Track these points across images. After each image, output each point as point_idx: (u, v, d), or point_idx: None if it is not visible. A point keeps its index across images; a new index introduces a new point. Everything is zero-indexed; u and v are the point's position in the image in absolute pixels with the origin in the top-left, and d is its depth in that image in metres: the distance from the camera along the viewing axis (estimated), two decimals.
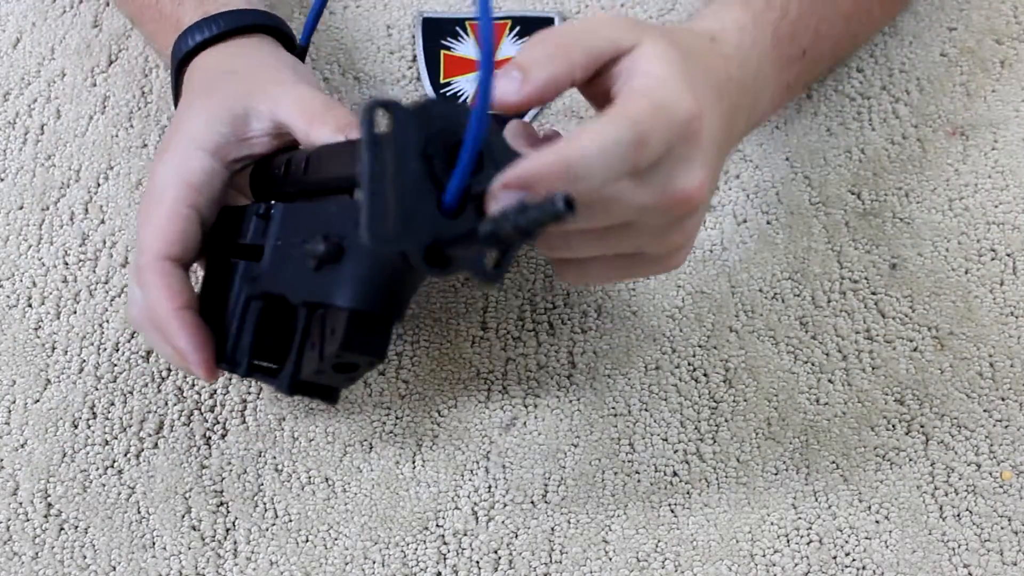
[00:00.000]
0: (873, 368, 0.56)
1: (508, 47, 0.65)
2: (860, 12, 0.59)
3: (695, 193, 0.40)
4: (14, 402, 0.56)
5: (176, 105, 0.54)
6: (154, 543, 0.53)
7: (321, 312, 0.43)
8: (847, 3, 0.57)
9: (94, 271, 0.59)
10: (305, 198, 0.46)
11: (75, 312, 0.58)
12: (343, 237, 0.40)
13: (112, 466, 0.54)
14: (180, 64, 0.53)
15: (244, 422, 0.55)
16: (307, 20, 0.57)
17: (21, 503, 0.54)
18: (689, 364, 0.56)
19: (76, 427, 0.55)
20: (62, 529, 0.53)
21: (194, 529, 0.53)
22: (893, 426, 0.54)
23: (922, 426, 0.54)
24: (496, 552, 0.52)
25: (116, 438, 0.55)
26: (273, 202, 0.47)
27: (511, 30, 0.66)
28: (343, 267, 0.40)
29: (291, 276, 0.43)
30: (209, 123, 0.49)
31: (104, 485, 0.54)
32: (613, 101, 0.40)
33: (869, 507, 0.53)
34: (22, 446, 0.55)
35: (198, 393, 0.56)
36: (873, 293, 0.58)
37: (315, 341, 0.42)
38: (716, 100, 0.43)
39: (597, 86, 0.42)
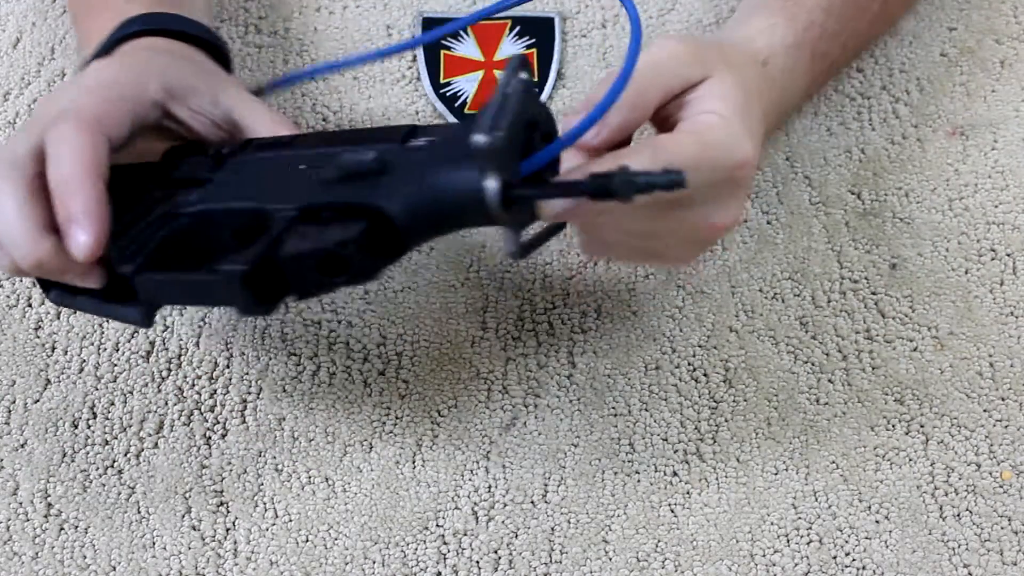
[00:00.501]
0: (873, 368, 0.56)
1: (508, 46, 0.65)
2: (881, 21, 0.61)
3: (726, 227, 0.45)
4: (14, 402, 0.56)
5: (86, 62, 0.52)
6: (154, 543, 0.53)
7: (311, 218, 0.42)
8: (873, 14, 0.59)
9: None
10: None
11: (75, 312, 0.58)
12: (386, 158, 0.41)
13: (112, 466, 0.54)
14: (123, 38, 0.52)
15: (244, 422, 0.55)
16: (292, 75, 0.57)
17: (21, 503, 0.54)
18: (689, 364, 0.56)
19: (76, 427, 0.55)
20: (62, 529, 0.53)
21: (194, 529, 0.53)
22: (893, 426, 0.54)
23: (922, 426, 0.54)
24: (496, 552, 0.52)
25: (116, 438, 0.55)
26: (231, 148, 0.47)
27: (511, 30, 0.66)
28: (385, 182, 0.41)
29: (272, 190, 0.43)
30: (173, 71, 0.49)
31: (104, 485, 0.54)
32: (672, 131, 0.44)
33: (869, 507, 0.53)
34: (22, 446, 0.55)
35: (198, 393, 0.56)
36: (873, 293, 0.58)
37: (304, 235, 0.41)
38: (760, 131, 0.46)
39: (661, 112, 0.46)
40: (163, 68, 0.49)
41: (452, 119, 0.63)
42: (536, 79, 0.64)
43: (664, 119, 0.46)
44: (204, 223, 0.45)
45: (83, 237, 0.43)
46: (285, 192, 0.43)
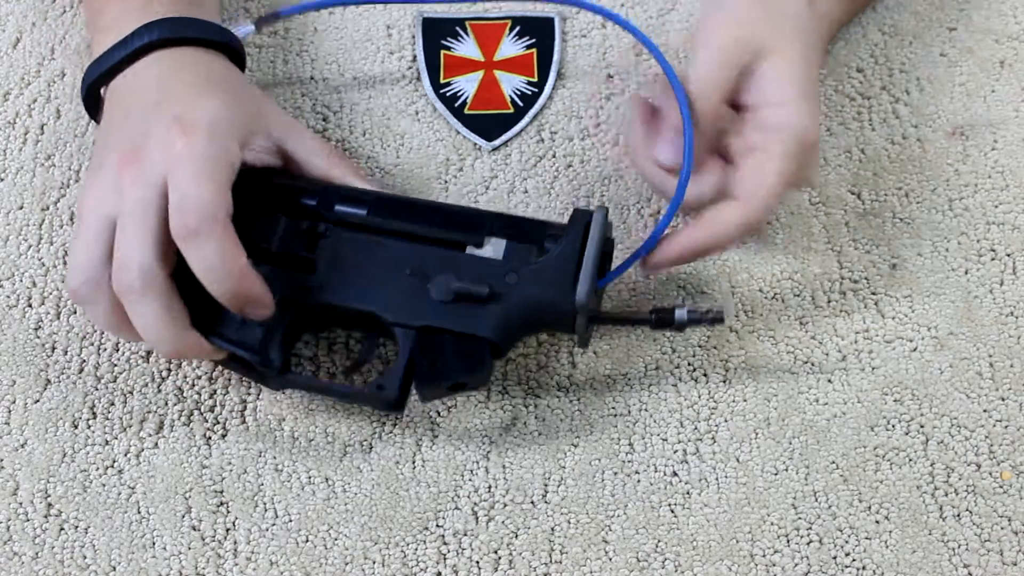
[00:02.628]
0: (873, 368, 0.56)
1: (508, 47, 0.65)
2: None
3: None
4: (14, 402, 0.56)
5: (107, 68, 0.53)
6: (154, 543, 0.53)
7: (438, 338, 0.50)
8: None
9: None
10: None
11: (75, 312, 0.58)
12: (492, 286, 0.50)
13: (112, 466, 0.54)
14: (148, 46, 0.52)
15: (244, 422, 0.55)
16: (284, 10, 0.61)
17: (21, 503, 0.54)
18: (689, 364, 0.56)
19: (76, 427, 0.55)
20: (62, 529, 0.53)
21: (194, 529, 0.53)
22: (893, 426, 0.54)
23: (922, 426, 0.54)
24: (496, 552, 0.52)
25: (116, 438, 0.55)
26: (326, 226, 0.52)
27: (511, 30, 0.66)
28: (490, 310, 0.50)
29: (391, 298, 0.51)
30: (237, 119, 0.51)
31: (104, 485, 0.54)
32: (746, 130, 0.52)
33: (869, 507, 0.53)
34: (22, 446, 0.55)
35: (198, 393, 0.56)
36: (873, 293, 0.58)
37: (432, 360, 0.50)
38: (817, 87, 0.53)
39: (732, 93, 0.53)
40: (233, 122, 0.50)
41: (452, 119, 0.63)
42: (536, 79, 0.64)
43: (734, 97, 0.53)
44: (322, 312, 0.52)
45: (266, 312, 0.49)
46: (402, 305, 0.51)
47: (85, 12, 0.62)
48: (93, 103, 0.55)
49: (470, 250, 0.51)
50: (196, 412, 0.55)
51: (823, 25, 0.54)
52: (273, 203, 0.52)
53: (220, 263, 0.47)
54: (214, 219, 0.46)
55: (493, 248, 0.51)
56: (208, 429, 0.55)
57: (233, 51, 0.55)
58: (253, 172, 0.52)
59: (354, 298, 0.51)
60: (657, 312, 0.52)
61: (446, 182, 0.61)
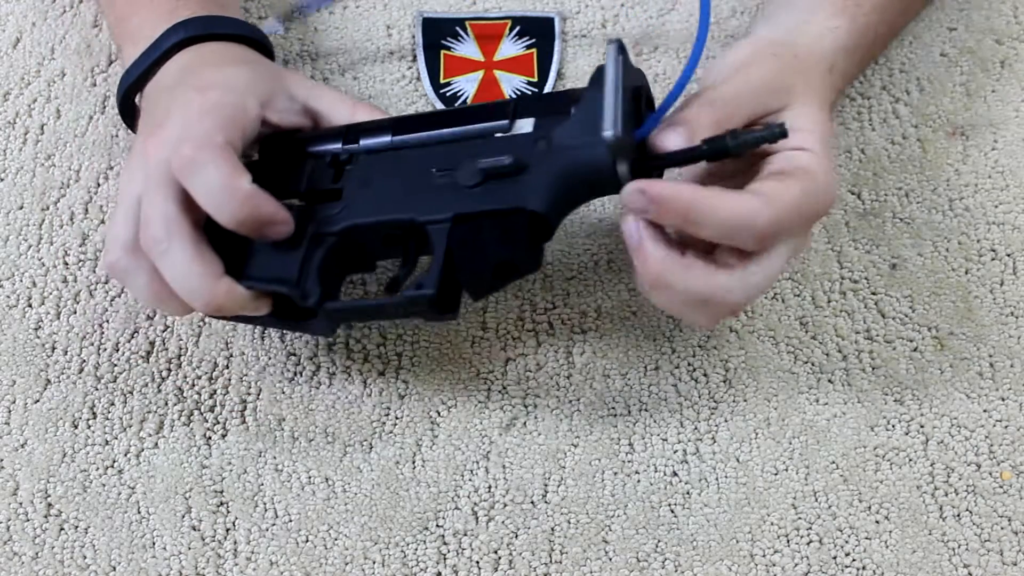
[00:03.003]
0: (873, 368, 0.56)
1: (508, 47, 0.65)
2: (910, 15, 0.64)
3: (827, 208, 0.48)
4: (14, 402, 0.56)
5: (140, 72, 0.54)
6: (154, 543, 0.53)
7: (473, 224, 0.47)
8: (913, 14, 0.62)
9: (94, 271, 0.59)
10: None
11: (75, 312, 0.58)
12: (520, 157, 0.46)
13: (112, 466, 0.54)
14: (176, 45, 0.53)
15: (244, 422, 0.55)
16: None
17: (21, 503, 0.54)
18: (689, 364, 0.56)
19: (76, 427, 0.55)
20: (62, 529, 0.53)
21: (194, 529, 0.53)
22: (893, 426, 0.54)
23: (922, 426, 0.54)
24: (496, 552, 0.52)
25: (116, 438, 0.55)
26: (349, 155, 0.51)
27: (511, 30, 0.66)
28: (522, 180, 0.46)
29: (418, 199, 0.48)
30: (259, 80, 0.51)
31: (104, 485, 0.54)
32: (767, 166, 0.47)
33: (869, 507, 0.53)
34: (22, 446, 0.55)
35: (198, 393, 0.56)
36: (873, 293, 0.58)
37: (471, 247, 0.47)
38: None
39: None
40: (251, 82, 0.51)
41: None
42: (536, 79, 0.64)
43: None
44: (354, 238, 0.49)
45: (285, 228, 0.48)
46: (432, 201, 0.48)
47: (108, 21, 0.62)
48: (129, 112, 0.56)
49: (498, 136, 0.49)
50: (196, 412, 0.55)
51: (836, 88, 0.53)
52: (302, 154, 0.52)
53: (221, 186, 0.46)
54: (211, 145, 0.46)
55: (521, 128, 0.48)
56: (208, 429, 0.55)
57: (259, 44, 0.56)
58: (282, 134, 0.52)
59: (381, 211, 0.49)
60: (709, 142, 0.45)
61: None
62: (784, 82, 0.49)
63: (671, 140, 0.45)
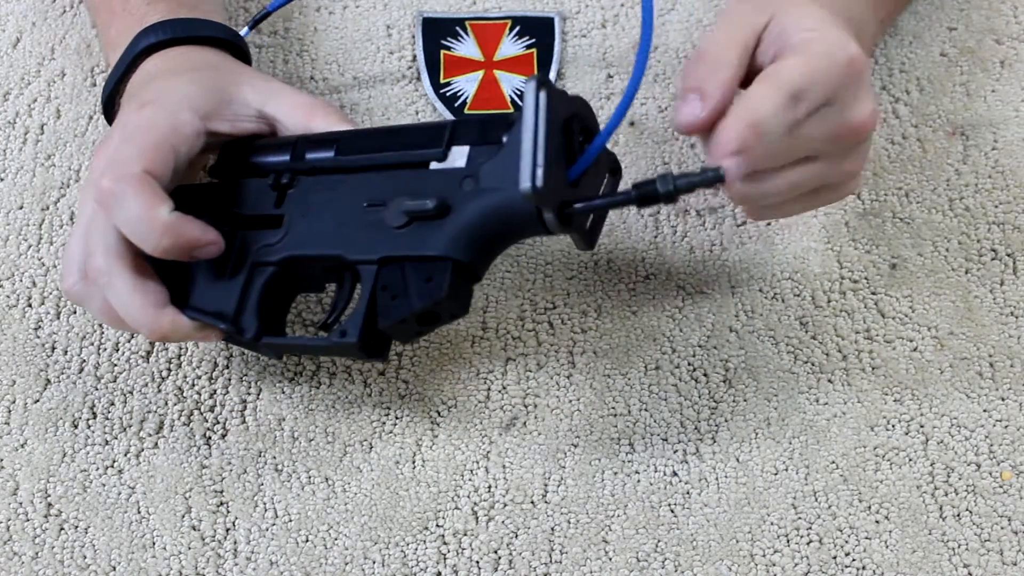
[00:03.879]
0: (873, 368, 0.56)
1: (508, 47, 0.65)
2: None
3: (867, 122, 0.46)
4: (14, 402, 0.56)
5: (116, 79, 0.54)
6: (154, 543, 0.53)
7: (397, 267, 0.46)
8: None
9: None
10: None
11: (75, 312, 0.58)
12: (445, 198, 0.45)
13: (112, 466, 0.54)
14: (144, 51, 0.53)
15: (244, 422, 0.55)
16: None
17: (21, 503, 0.54)
18: (689, 364, 0.56)
19: (76, 427, 0.55)
20: (62, 529, 0.53)
21: (194, 529, 0.53)
22: (893, 426, 0.54)
23: (922, 426, 0.54)
24: (496, 552, 0.52)
25: (116, 438, 0.55)
26: (291, 178, 0.50)
27: (511, 30, 0.66)
28: (446, 224, 0.45)
29: (349, 236, 0.47)
30: (200, 92, 0.50)
31: (104, 485, 0.54)
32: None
33: (869, 507, 0.53)
34: (22, 446, 0.55)
35: (198, 393, 0.56)
36: (873, 293, 0.58)
37: (395, 293, 0.46)
38: (851, 35, 0.47)
39: (753, 68, 0.47)
40: (191, 95, 0.50)
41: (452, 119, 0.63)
42: None
43: (760, 71, 0.47)
44: (292, 266, 0.49)
45: (215, 248, 0.48)
46: (360, 240, 0.47)
47: (97, 30, 0.63)
48: (112, 117, 0.56)
49: (434, 165, 0.47)
50: (196, 412, 0.55)
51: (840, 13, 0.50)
52: (251, 168, 0.52)
53: (139, 217, 0.46)
54: (128, 176, 0.46)
55: (456, 158, 0.46)
56: (208, 429, 0.55)
57: (232, 45, 0.55)
58: (236, 143, 0.52)
59: (317, 244, 0.48)
60: (639, 187, 0.42)
61: None
62: (760, 2, 0.47)
63: (689, 111, 0.44)
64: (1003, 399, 0.55)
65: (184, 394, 0.56)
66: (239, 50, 0.56)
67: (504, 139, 0.45)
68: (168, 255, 0.47)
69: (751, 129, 0.42)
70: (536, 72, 0.43)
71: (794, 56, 0.44)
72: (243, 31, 0.59)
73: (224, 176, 0.53)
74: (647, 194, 0.42)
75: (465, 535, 0.53)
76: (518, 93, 0.63)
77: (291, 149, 0.51)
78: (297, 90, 0.53)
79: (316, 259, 0.49)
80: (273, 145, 0.52)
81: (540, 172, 0.41)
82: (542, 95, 0.42)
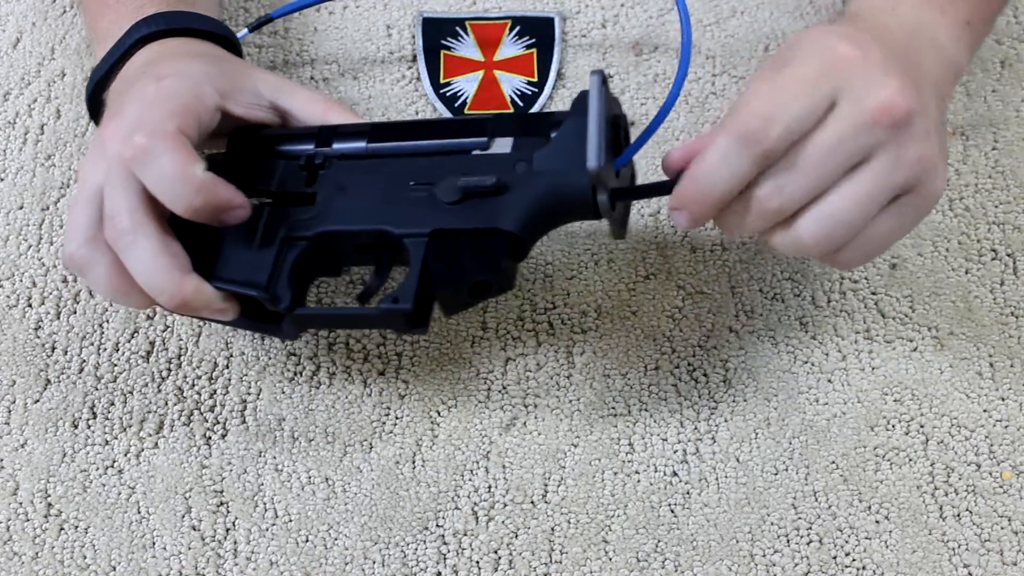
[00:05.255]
0: (873, 368, 0.56)
1: (508, 47, 0.65)
2: None
3: (891, 101, 0.41)
4: (14, 402, 0.56)
5: (107, 68, 0.54)
6: (154, 543, 0.53)
7: (450, 240, 0.47)
8: None
9: None
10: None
11: (75, 312, 0.58)
12: (501, 177, 0.47)
13: (112, 466, 0.54)
14: (140, 41, 0.53)
15: (244, 422, 0.55)
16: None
17: (21, 503, 0.54)
18: (689, 364, 0.56)
19: (76, 427, 0.55)
20: (62, 529, 0.53)
21: (194, 529, 0.53)
22: (893, 426, 0.54)
23: (922, 426, 0.54)
24: (496, 552, 0.52)
25: (116, 438, 0.55)
26: (324, 159, 0.51)
27: (511, 30, 0.66)
28: (503, 201, 0.46)
29: (395, 211, 0.48)
30: (217, 72, 0.50)
31: (104, 485, 0.54)
32: None
33: (869, 507, 0.53)
34: (22, 446, 0.55)
35: (198, 393, 0.56)
36: (873, 293, 0.58)
37: (449, 264, 0.47)
38: (853, 31, 0.44)
39: None
40: (209, 72, 0.50)
41: None
42: (536, 79, 0.64)
43: None
44: (327, 243, 0.49)
45: (243, 212, 0.47)
46: (409, 215, 0.48)
47: (86, 26, 0.62)
48: (96, 109, 0.55)
49: (476, 153, 0.49)
50: (196, 412, 0.55)
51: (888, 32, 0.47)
52: (272, 153, 0.52)
53: (174, 174, 0.45)
54: (163, 133, 0.46)
55: (500, 147, 0.48)
56: (208, 429, 0.55)
57: (227, 40, 0.55)
58: (250, 130, 0.52)
59: (357, 220, 0.49)
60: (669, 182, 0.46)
61: None
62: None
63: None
64: (1003, 399, 0.55)
65: (184, 394, 0.56)
66: (234, 48, 0.56)
67: (552, 135, 0.47)
68: (198, 215, 0.46)
69: (703, 191, 0.42)
70: (596, 72, 0.46)
71: (778, 66, 0.43)
72: (241, 32, 0.59)
73: (240, 159, 0.53)
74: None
75: (465, 535, 0.53)
76: (518, 93, 0.63)
77: (316, 138, 0.51)
78: (307, 87, 0.53)
79: (354, 235, 0.49)
80: (294, 134, 0.52)
81: (603, 155, 0.44)
82: (605, 89, 0.46)
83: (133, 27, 0.53)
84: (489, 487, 0.54)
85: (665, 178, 0.45)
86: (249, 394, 0.56)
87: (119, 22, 0.54)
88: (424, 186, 0.48)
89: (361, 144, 0.50)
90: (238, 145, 0.52)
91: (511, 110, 0.63)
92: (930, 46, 0.47)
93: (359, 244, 0.49)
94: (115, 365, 0.57)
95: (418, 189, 0.48)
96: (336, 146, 0.51)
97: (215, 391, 0.56)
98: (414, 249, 0.47)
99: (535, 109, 0.63)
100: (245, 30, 0.60)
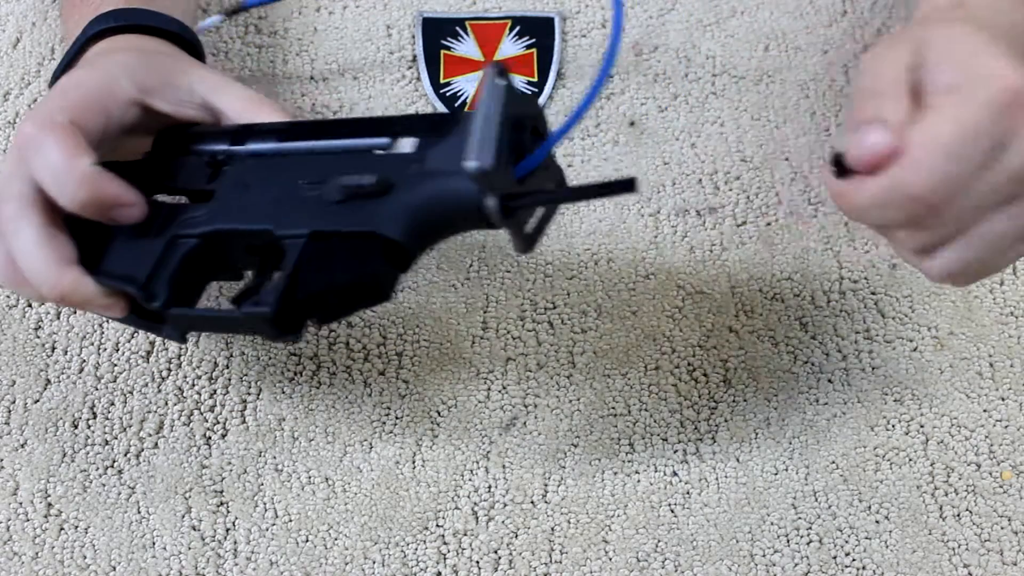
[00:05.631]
0: (873, 368, 0.56)
1: (508, 46, 0.65)
2: None
3: None
4: (14, 402, 0.56)
5: (63, 65, 0.53)
6: (154, 543, 0.53)
7: (327, 243, 0.44)
8: None
9: None
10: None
11: (75, 312, 0.58)
12: (387, 177, 0.43)
13: (112, 466, 0.54)
14: (94, 37, 0.53)
15: (244, 422, 0.55)
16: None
17: (21, 503, 0.54)
18: (689, 364, 0.56)
19: (76, 427, 0.55)
20: (62, 529, 0.53)
21: (194, 529, 0.53)
22: (893, 426, 0.54)
23: (922, 426, 0.54)
24: (496, 552, 0.52)
25: (116, 438, 0.55)
26: (222, 151, 0.49)
27: (511, 30, 0.66)
28: (385, 203, 0.43)
29: (280, 211, 0.45)
30: (143, 66, 0.49)
31: (104, 485, 0.54)
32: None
33: (869, 507, 0.53)
34: (22, 446, 0.55)
35: (198, 393, 0.56)
36: (873, 293, 0.58)
37: (320, 267, 0.43)
38: (1005, 48, 0.41)
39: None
40: (131, 66, 0.49)
41: None
42: (536, 79, 0.64)
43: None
44: (216, 242, 0.47)
45: (135, 211, 0.45)
46: (292, 214, 0.45)
47: (61, 24, 0.62)
48: None
49: (376, 153, 0.46)
50: (196, 412, 0.55)
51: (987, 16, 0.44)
52: (186, 151, 0.50)
53: (59, 165, 0.44)
54: (51, 123, 0.45)
55: (404, 147, 0.45)
56: (208, 429, 0.55)
57: (180, 39, 0.55)
58: (173, 129, 0.51)
59: (244, 219, 0.46)
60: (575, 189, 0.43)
61: None
62: (909, 38, 0.43)
63: (877, 139, 0.40)
64: (1003, 399, 0.55)
65: (184, 394, 0.56)
66: (192, 47, 0.55)
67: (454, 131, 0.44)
68: (84, 210, 0.45)
69: (914, 202, 0.39)
70: (492, 65, 0.42)
71: (944, 108, 0.39)
72: (213, 19, 0.59)
73: (158, 158, 0.52)
74: (577, 192, 0.42)
75: (465, 535, 0.53)
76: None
77: (232, 136, 0.50)
78: (245, 86, 0.52)
79: (241, 235, 0.46)
80: (214, 132, 0.51)
81: (488, 153, 0.39)
82: (499, 82, 0.41)
83: (88, 25, 0.53)
84: (489, 487, 0.54)
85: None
86: (249, 394, 0.56)
87: (81, 23, 0.54)
88: (315, 185, 0.45)
89: (271, 144, 0.49)
90: (162, 144, 0.51)
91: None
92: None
93: (249, 245, 0.47)
94: (115, 365, 0.57)
95: (309, 189, 0.46)
96: (249, 145, 0.49)
97: (215, 391, 0.56)
98: (291, 250, 0.44)
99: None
100: (218, 18, 0.60)
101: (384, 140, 0.46)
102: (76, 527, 0.53)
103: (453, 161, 0.41)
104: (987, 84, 0.39)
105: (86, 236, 0.47)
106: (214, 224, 0.46)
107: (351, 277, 0.43)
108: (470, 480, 0.54)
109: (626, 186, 0.40)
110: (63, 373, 0.56)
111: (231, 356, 0.57)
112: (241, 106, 0.51)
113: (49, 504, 0.54)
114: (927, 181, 0.38)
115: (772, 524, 0.52)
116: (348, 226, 0.43)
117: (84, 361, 0.57)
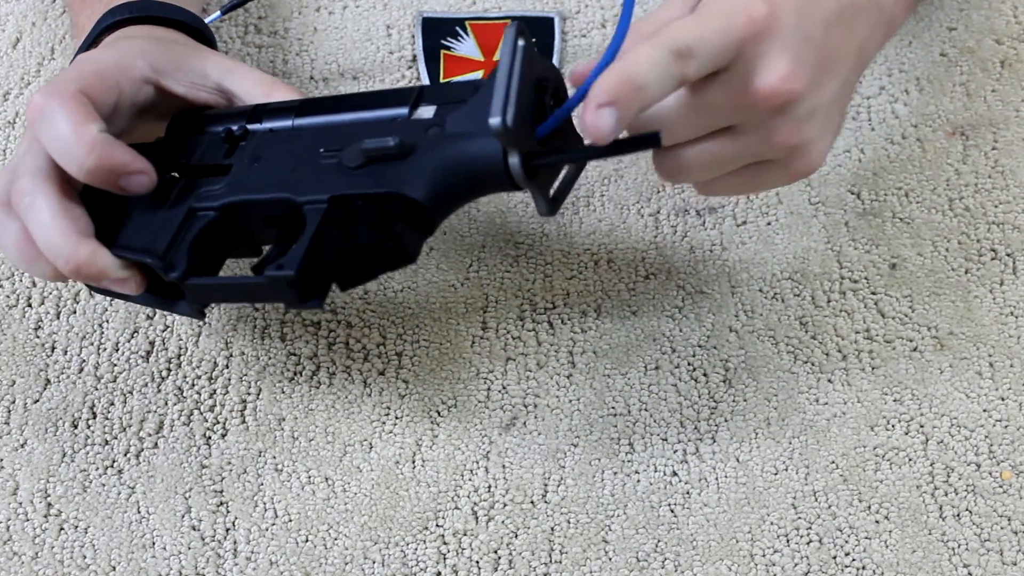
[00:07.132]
0: (873, 368, 0.56)
1: None
2: None
3: (778, 86, 0.41)
4: (14, 402, 0.56)
5: (76, 55, 0.53)
6: (154, 543, 0.53)
7: (349, 207, 0.44)
8: None
9: None
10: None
11: (75, 312, 0.58)
12: (408, 140, 0.43)
13: (112, 466, 0.54)
14: (107, 29, 0.53)
15: (244, 422, 0.55)
16: None
17: (21, 503, 0.54)
18: (689, 364, 0.56)
19: (76, 427, 0.55)
20: (62, 529, 0.53)
21: (194, 529, 0.53)
22: (893, 426, 0.54)
23: (922, 426, 0.54)
24: (496, 552, 0.52)
25: (116, 438, 0.55)
26: (239, 131, 0.49)
27: None
28: (407, 165, 0.43)
29: (300, 179, 0.45)
30: (159, 50, 0.50)
31: (104, 485, 0.54)
32: None
33: (869, 507, 0.53)
34: (22, 446, 0.55)
35: (198, 393, 0.56)
36: (873, 293, 0.58)
37: (342, 230, 0.43)
38: None
39: None
40: (146, 48, 0.50)
41: None
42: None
43: None
44: (234, 214, 0.46)
45: (145, 179, 0.45)
46: (312, 181, 0.45)
47: (71, 22, 0.63)
48: None
49: (397, 120, 0.46)
50: (196, 412, 0.55)
51: None
52: (201, 130, 0.51)
53: (67, 133, 0.44)
54: (61, 93, 0.45)
55: (422, 115, 0.45)
56: (208, 429, 0.55)
57: (194, 29, 0.55)
58: (192, 112, 0.51)
59: (262, 189, 0.46)
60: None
61: None
62: None
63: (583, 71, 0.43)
64: (1003, 399, 0.55)
65: (184, 394, 0.56)
66: (204, 38, 0.56)
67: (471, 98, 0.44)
68: (93, 178, 0.45)
69: (625, 81, 0.39)
70: (513, 24, 0.42)
71: (690, 15, 0.42)
72: (213, 16, 0.60)
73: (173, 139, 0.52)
74: (615, 147, 0.40)
75: (465, 535, 0.53)
76: None
77: (247, 116, 0.50)
78: (259, 70, 0.52)
79: (260, 204, 0.46)
80: (228, 113, 0.51)
81: (511, 110, 0.39)
82: (520, 42, 0.41)
83: (102, 17, 0.53)
84: (489, 487, 0.54)
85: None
86: (249, 394, 0.56)
87: (94, 17, 0.54)
88: (333, 152, 0.45)
89: (288, 120, 0.48)
90: (177, 126, 0.52)
91: None
92: (873, 6, 0.46)
93: (267, 215, 0.47)
94: (115, 365, 0.57)
95: (327, 156, 0.46)
96: (266, 123, 0.49)
97: (215, 391, 0.56)
98: (311, 216, 0.44)
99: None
100: (218, 12, 0.60)
101: (402, 110, 0.46)
102: (76, 527, 0.53)
103: (475, 123, 0.42)
104: (735, 4, 0.41)
105: (103, 212, 0.46)
106: (232, 196, 0.46)
107: (374, 239, 0.42)
108: (470, 480, 0.54)
109: (651, 140, 0.40)
110: (63, 373, 0.56)
111: (231, 356, 0.57)
112: (255, 88, 0.51)
113: (49, 504, 0.54)
114: (688, 39, 0.40)
115: (772, 524, 0.52)
116: (368, 188, 0.43)
117: (84, 361, 0.57)
